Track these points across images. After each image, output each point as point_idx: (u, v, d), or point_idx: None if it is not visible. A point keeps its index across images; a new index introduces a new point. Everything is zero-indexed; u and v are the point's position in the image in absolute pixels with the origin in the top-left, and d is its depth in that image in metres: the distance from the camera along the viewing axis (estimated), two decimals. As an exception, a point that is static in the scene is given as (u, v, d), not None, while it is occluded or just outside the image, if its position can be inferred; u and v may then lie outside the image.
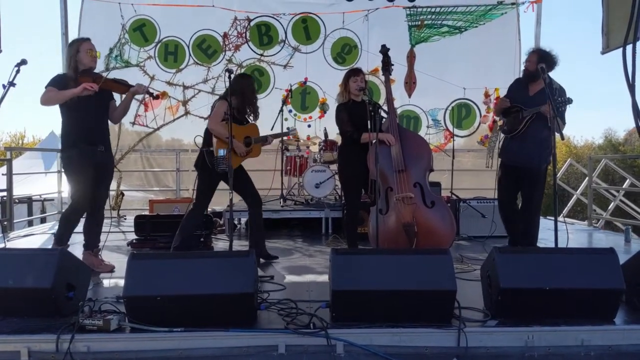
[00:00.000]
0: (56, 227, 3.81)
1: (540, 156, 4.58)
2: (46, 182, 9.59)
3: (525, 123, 4.56)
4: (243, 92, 4.50)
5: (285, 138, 7.18)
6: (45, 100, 3.97)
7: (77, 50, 4.07)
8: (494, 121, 8.13)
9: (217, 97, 7.99)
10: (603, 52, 6.53)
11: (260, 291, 3.22)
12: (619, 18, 6.18)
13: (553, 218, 3.81)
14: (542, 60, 4.41)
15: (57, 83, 4.01)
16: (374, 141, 4.19)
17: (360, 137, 4.46)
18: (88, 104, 3.96)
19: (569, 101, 4.46)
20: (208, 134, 4.48)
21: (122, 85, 4.19)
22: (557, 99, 4.40)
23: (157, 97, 4.34)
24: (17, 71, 3.70)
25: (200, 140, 4.57)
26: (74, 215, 4.07)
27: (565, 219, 6.17)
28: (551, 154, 4.02)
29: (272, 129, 6.82)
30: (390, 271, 2.84)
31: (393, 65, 4.80)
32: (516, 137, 4.65)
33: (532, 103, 4.54)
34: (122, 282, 2.84)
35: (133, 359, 2.63)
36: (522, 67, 4.81)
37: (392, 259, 2.94)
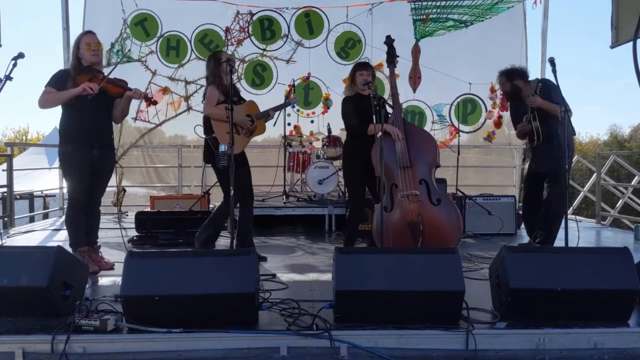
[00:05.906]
0: (57, 223, 3.77)
1: (562, 156, 4.53)
2: (49, 178, 9.54)
3: (536, 128, 4.53)
4: (215, 74, 4.35)
5: (287, 133, 7.13)
6: (43, 103, 3.86)
7: (78, 46, 3.97)
8: (500, 116, 8.05)
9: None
10: (612, 46, 6.42)
11: (262, 290, 3.13)
12: (629, 11, 6.06)
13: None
14: (511, 78, 4.62)
15: (56, 82, 3.90)
16: (378, 136, 4.09)
17: (367, 130, 4.36)
18: (87, 103, 3.83)
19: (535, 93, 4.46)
20: (207, 122, 4.38)
21: (119, 87, 4.00)
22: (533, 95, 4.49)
23: (155, 103, 4.31)
24: (14, 65, 3.59)
25: (201, 130, 4.50)
26: (72, 212, 3.99)
27: (576, 216, 6.06)
28: (571, 154, 4.05)
29: (274, 125, 6.75)
30: (396, 271, 2.75)
31: (398, 57, 4.70)
32: (539, 144, 4.58)
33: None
34: (120, 280, 2.76)
35: (130, 360, 2.57)
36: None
37: (399, 258, 2.85)
